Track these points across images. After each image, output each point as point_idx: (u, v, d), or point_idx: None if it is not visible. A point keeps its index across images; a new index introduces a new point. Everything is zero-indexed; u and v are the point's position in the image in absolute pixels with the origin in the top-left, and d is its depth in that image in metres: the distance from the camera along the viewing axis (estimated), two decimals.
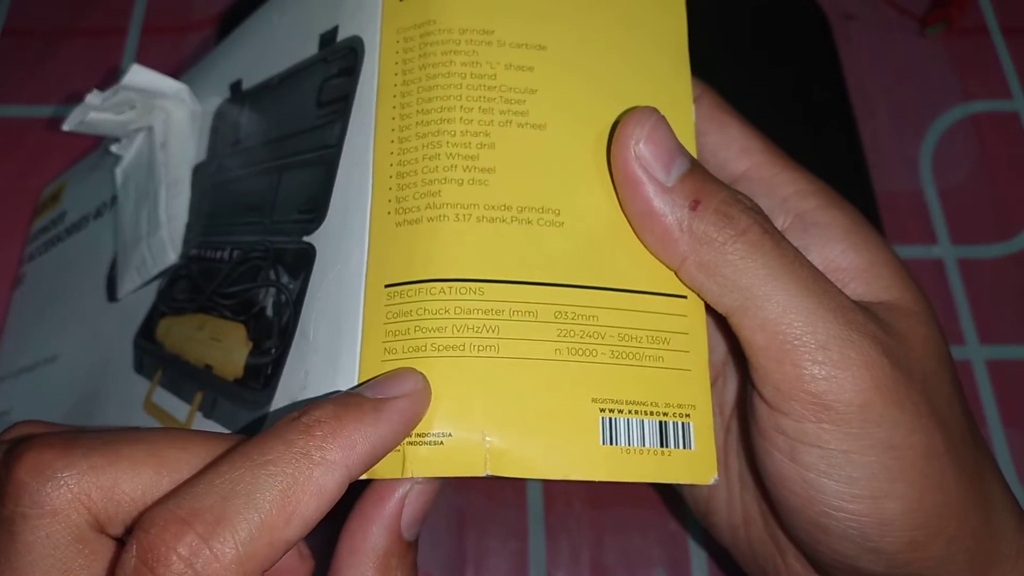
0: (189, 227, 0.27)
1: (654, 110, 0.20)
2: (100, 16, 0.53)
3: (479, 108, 0.19)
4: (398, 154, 0.20)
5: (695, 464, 0.18)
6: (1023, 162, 0.50)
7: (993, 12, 0.51)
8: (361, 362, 0.18)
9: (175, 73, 0.29)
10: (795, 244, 0.20)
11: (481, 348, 0.18)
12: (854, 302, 0.19)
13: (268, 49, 0.25)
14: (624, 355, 0.18)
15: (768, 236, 0.19)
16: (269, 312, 0.22)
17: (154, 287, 0.27)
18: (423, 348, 0.18)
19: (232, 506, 0.14)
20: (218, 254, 0.25)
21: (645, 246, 0.19)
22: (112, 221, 0.30)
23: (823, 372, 0.18)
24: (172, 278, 0.26)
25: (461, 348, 0.18)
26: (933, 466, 0.18)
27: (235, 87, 0.26)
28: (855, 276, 0.21)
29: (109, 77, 0.54)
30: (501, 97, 0.20)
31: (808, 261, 0.19)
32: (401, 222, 0.19)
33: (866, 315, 0.19)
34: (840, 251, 0.21)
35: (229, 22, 0.48)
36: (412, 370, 0.18)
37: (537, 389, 0.17)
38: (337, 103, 0.22)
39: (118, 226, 0.29)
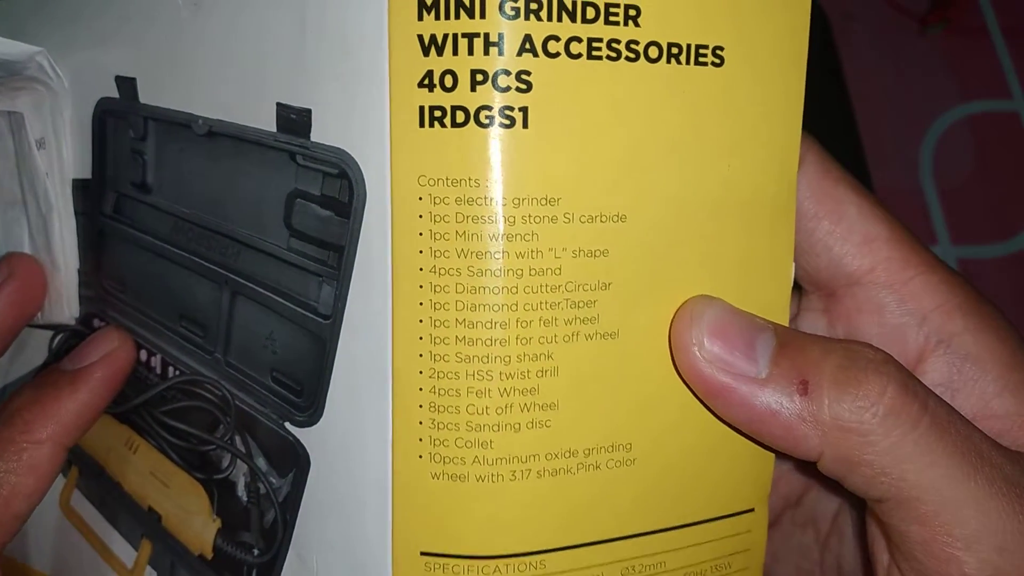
0: (85, 280, 0.21)
1: (707, 299, 0.15)
2: None
3: (539, 320, 0.14)
4: (431, 376, 0.14)
5: None
6: (1023, 162, 0.50)
7: (993, 12, 0.51)
8: None
9: None
10: (939, 382, 0.16)
11: None
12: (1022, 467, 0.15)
13: (180, 52, 0.17)
14: None
15: (910, 401, 0.14)
16: (241, 494, 0.18)
17: (43, 342, 0.22)
18: None
19: None
20: (142, 355, 0.20)
21: (770, 448, 0.16)
22: None
23: None
24: (69, 344, 0.21)
25: None
26: None
27: (126, 86, 0.18)
28: (1013, 425, 0.16)
29: None
30: (567, 301, 0.14)
31: (965, 424, 0.15)
32: (439, 474, 0.15)
33: None
34: (995, 393, 0.16)
35: None
36: (109, 330, 0.19)
37: None
38: (322, 250, 0.15)
39: None
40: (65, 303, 0.21)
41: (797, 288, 0.18)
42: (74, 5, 0.19)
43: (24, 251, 0.21)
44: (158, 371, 0.19)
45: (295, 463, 0.16)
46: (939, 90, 0.50)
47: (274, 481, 0.17)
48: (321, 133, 0.15)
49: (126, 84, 0.18)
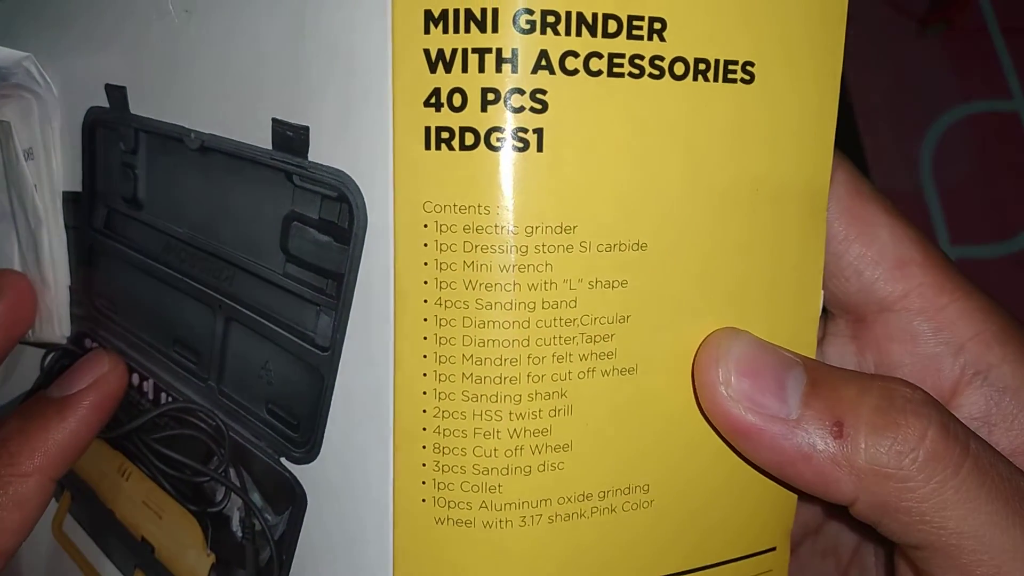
0: (77, 298, 0.20)
1: (733, 332, 0.14)
2: None
3: (553, 356, 0.13)
4: (435, 415, 0.14)
5: None
6: (1023, 162, 0.50)
7: (993, 12, 0.50)
8: None
9: None
10: (975, 416, 0.16)
11: None
12: None
13: (173, 61, 0.16)
14: None
15: (952, 445, 0.14)
16: (236, 529, 0.17)
17: (34, 360, 0.21)
18: None
19: None
20: (133, 378, 0.19)
21: (800, 491, 0.15)
22: None
23: None
24: (60, 364, 0.21)
25: None
26: None
27: (116, 95, 0.18)
28: None
29: None
30: (583, 335, 0.13)
31: (1007, 465, 0.14)
32: (444, 519, 0.14)
33: None
34: None
35: None
36: (99, 354, 0.18)
37: None
38: (319, 277, 0.15)
39: None
40: (56, 322, 0.20)
41: (823, 312, 0.17)
42: (63, 8, 0.18)
43: (14, 267, 0.20)
44: (150, 396, 0.18)
45: (291, 501, 0.15)
46: (939, 90, 0.50)
47: (270, 518, 0.16)
48: (320, 152, 0.14)
49: (116, 93, 0.17)
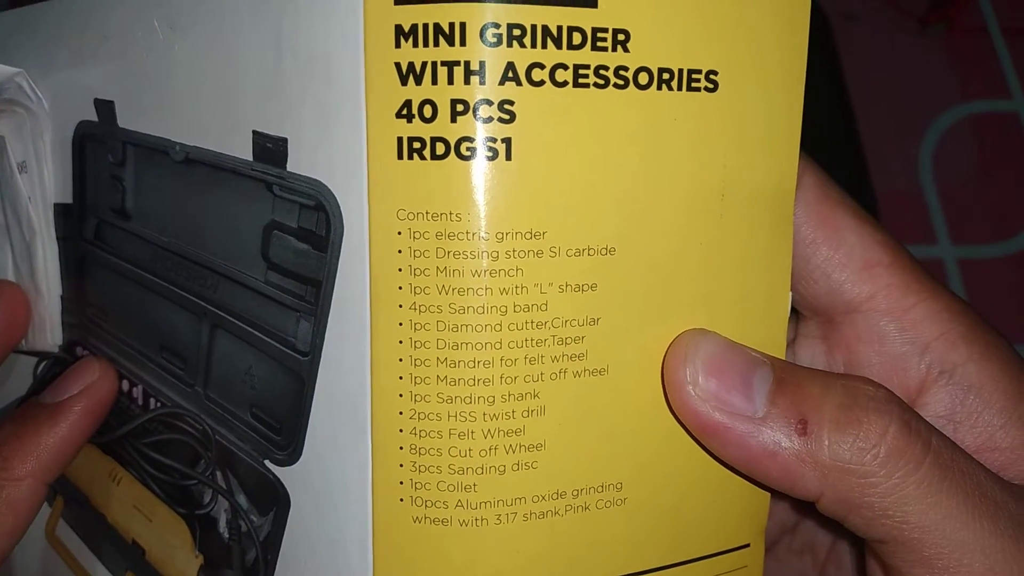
0: (68, 307, 0.20)
1: (701, 333, 0.15)
2: None
3: (525, 358, 0.14)
4: (412, 418, 0.14)
5: None
6: (1023, 162, 0.50)
7: (993, 12, 0.50)
8: None
9: None
10: (941, 414, 0.16)
11: None
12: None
13: (158, 75, 0.16)
14: None
15: (913, 441, 0.14)
16: (223, 530, 0.17)
17: (27, 368, 0.21)
18: None
19: None
20: (124, 385, 0.19)
21: (768, 488, 0.16)
22: None
23: None
24: (52, 372, 0.21)
25: None
26: None
27: (104, 109, 0.18)
28: (1018, 458, 0.16)
29: None
30: (554, 337, 0.14)
31: (967, 461, 0.15)
32: (421, 518, 0.14)
33: None
34: (999, 425, 0.16)
35: None
36: (90, 361, 0.19)
37: None
38: (299, 284, 0.15)
39: None
40: (48, 330, 0.20)
41: (794, 313, 0.17)
42: (53, 25, 0.19)
43: (8, 278, 0.21)
44: (140, 402, 0.19)
45: (275, 502, 0.16)
46: (939, 90, 0.50)
47: (255, 519, 0.16)
48: (298, 163, 0.14)
49: (104, 107, 0.18)
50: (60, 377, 0.18)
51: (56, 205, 0.20)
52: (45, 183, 0.20)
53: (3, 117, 0.19)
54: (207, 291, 0.17)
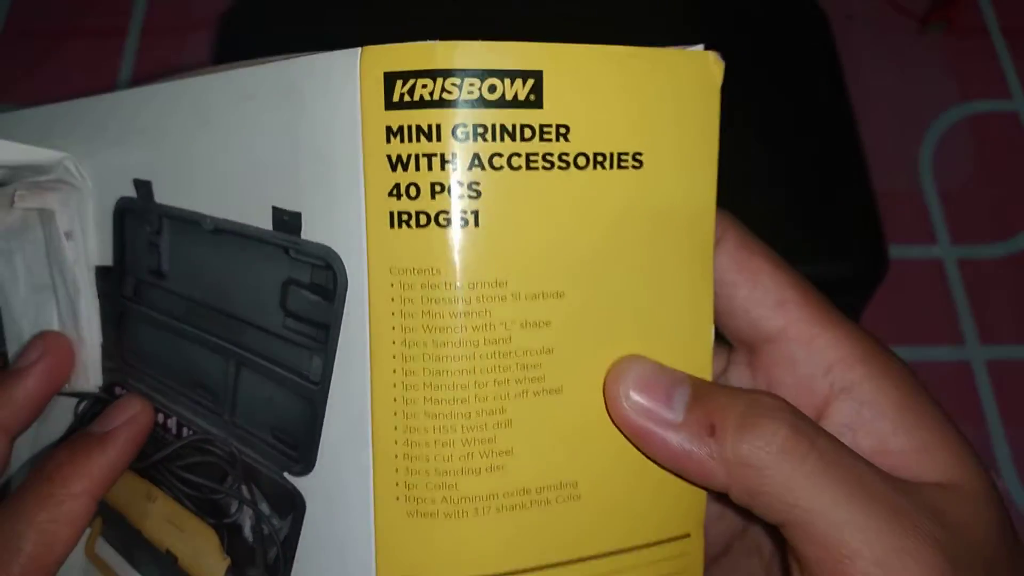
0: (107, 353, 0.24)
1: (633, 358, 0.18)
2: (100, 16, 0.50)
3: (494, 381, 0.17)
4: (404, 431, 0.17)
5: None
6: (1023, 162, 0.48)
7: (993, 12, 0.50)
8: None
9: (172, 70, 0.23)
10: (842, 423, 0.19)
11: None
12: (908, 494, 0.18)
13: (190, 161, 0.20)
14: None
15: (801, 440, 0.17)
16: (248, 534, 0.21)
17: (68, 408, 0.24)
18: None
19: (1, 559, 0.20)
20: (159, 417, 0.23)
21: (690, 482, 0.18)
22: None
23: None
24: (93, 410, 0.24)
25: None
26: None
27: (143, 188, 0.21)
28: (909, 460, 0.19)
29: (110, 77, 0.53)
30: (517, 364, 0.17)
31: (851, 457, 0.18)
32: (413, 512, 0.17)
33: (921, 513, 0.17)
34: (891, 431, 0.19)
35: (229, 22, 0.45)
36: (132, 396, 0.22)
37: None
38: (311, 327, 0.18)
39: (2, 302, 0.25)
40: (90, 373, 0.24)
41: (729, 344, 0.20)
42: (97, 116, 0.23)
43: (54, 328, 0.25)
44: (174, 431, 0.23)
45: (293, 507, 0.20)
46: (939, 90, 0.50)
47: (276, 523, 0.20)
48: (310, 232, 0.18)
49: (143, 187, 0.22)
50: (105, 411, 0.22)
51: (97, 268, 0.24)
52: (88, 248, 0.24)
53: (52, 193, 0.23)
54: (233, 336, 0.21)
